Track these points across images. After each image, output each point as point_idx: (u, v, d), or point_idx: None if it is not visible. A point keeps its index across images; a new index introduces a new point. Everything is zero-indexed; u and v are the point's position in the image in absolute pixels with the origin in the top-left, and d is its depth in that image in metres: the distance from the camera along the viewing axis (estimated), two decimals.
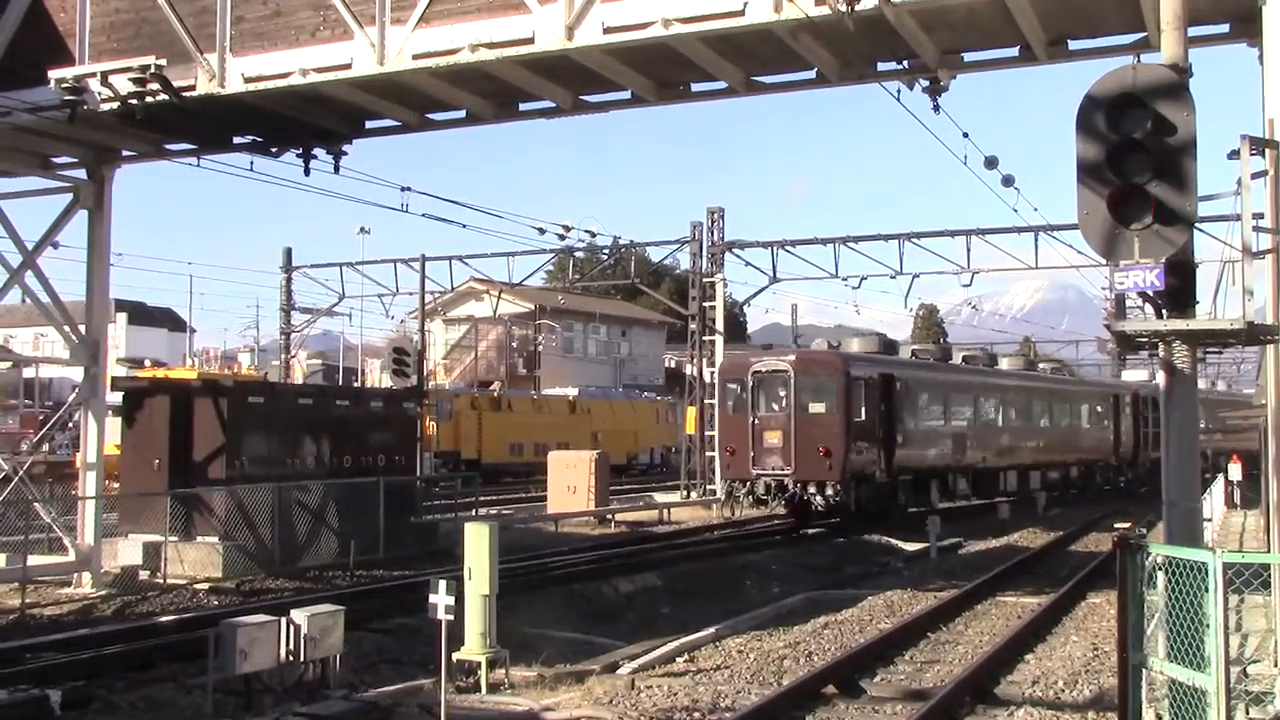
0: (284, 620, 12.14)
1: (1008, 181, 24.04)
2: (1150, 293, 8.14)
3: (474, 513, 29.62)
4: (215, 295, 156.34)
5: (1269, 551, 14.38)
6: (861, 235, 41.65)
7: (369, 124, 18.29)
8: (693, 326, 43.50)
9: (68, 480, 25.49)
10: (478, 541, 13.40)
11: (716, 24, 13.36)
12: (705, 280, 43.45)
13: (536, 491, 40.36)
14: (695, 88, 16.57)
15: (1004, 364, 44.40)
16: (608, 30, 13.73)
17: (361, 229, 63.09)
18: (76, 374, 21.06)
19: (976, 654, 15.17)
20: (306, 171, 18.37)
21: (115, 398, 23.60)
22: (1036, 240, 38.68)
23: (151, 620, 17.13)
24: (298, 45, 15.22)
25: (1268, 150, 9.84)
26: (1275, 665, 10.89)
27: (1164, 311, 8.29)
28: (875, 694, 13.16)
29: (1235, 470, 35.75)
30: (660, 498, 40.37)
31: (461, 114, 17.61)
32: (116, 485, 23.85)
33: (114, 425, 23.79)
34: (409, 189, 24.27)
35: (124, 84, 15.55)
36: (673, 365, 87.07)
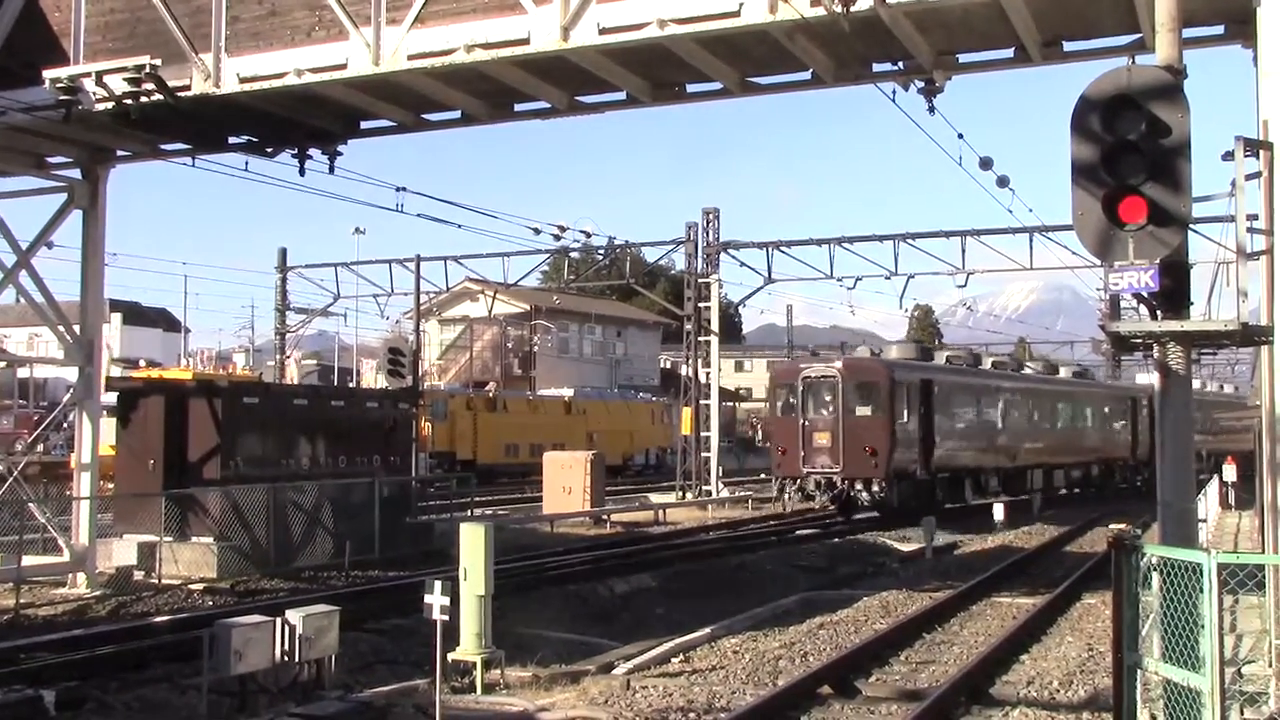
0: (279, 621, 12.14)
1: (1003, 182, 24.09)
2: (1145, 294, 8.14)
3: (469, 513, 29.60)
4: (210, 296, 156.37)
5: (1264, 552, 14.40)
6: (856, 236, 41.81)
7: (364, 124, 18.28)
8: (688, 327, 43.53)
9: (62, 481, 25.41)
10: (473, 542, 13.40)
11: (712, 25, 13.36)
12: (700, 281, 43.49)
13: (532, 492, 40.37)
14: (690, 88, 16.57)
15: (1029, 369, 47.08)
16: (603, 31, 13.72)
17: (356, 229, 63.17)
18: (71, 374, 21.02)
19: (972, 654, 15.19)
20: (302, 172, 18.36)
21: (110, 398, 23.56)
22: (1031, 241, 38.82)
23: (146, 621, 17.11)
24: (293, 45, 15.20)
25: (1262, 152, 9.87)
26: (1270, 666, 10.90)
27: (1159, 312, 8.30)
28: (870, 694, 13.17)
29: (1230, 471, 35.78)
30: (656, 498, 40.40)
31: (456, 114, 17.59)
32: (111, 486, 23.81)
33: (109, 425, 23.74)
34: (404, 189, 24.25)
35: (119, 84, 15.53)
36: (668, 366, 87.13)
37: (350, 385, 56.80)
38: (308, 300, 53.52)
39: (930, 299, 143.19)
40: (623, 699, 12.55)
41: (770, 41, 14.15)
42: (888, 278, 41.62)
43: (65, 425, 23.87)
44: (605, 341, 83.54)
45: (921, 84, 14.96)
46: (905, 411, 33.50)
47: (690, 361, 43.90)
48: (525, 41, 14.04)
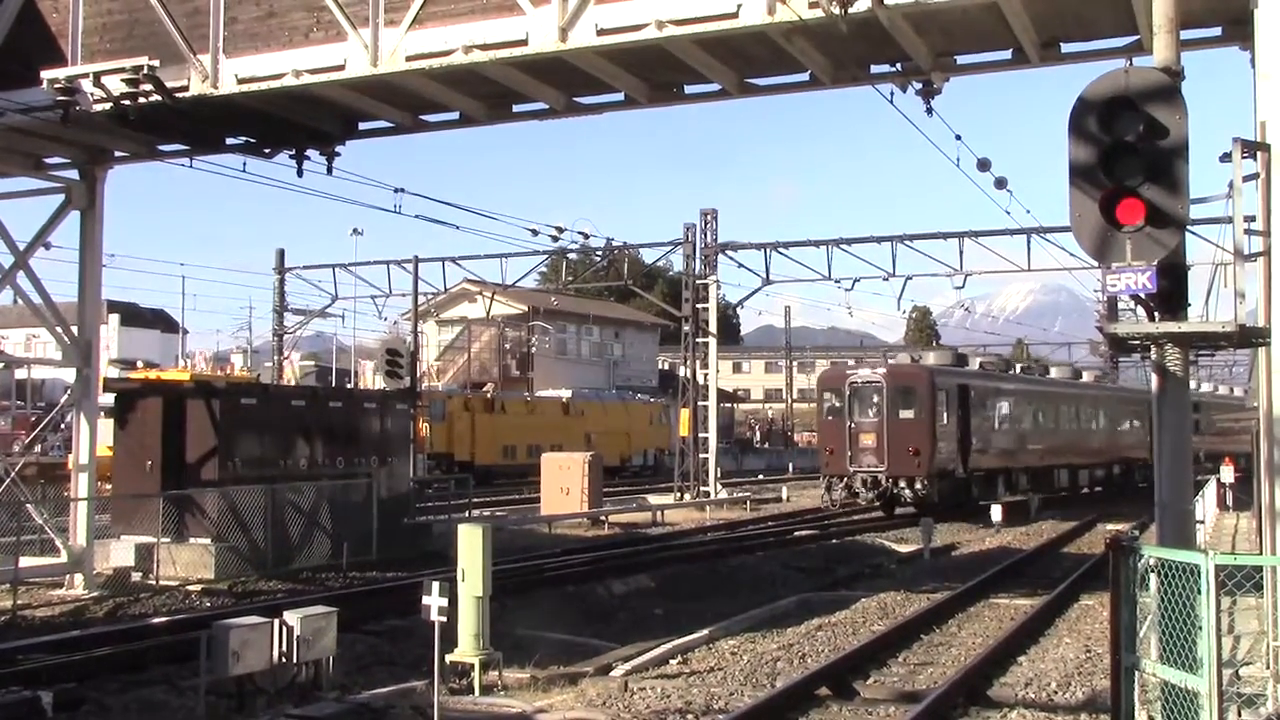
0: (277, 622, 12.14)
1: (1000, 184, 24.09)
2: (1142, 295, 8.15)
3: (467, 514, 29.59)
4: (208, 297, 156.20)
5: (1261, 554, 14.41)
6: (854, 237, 41.88)
7: (362, 125, 18.28)
8: (686, 328, 43.53)
9: (60, 482, 25.38)
10: (471, 543, 13.40)
11: (710, 26, 13.36)
12: (698, 282, 43.49)
13: (530, 493, 40.35)
14: (688, 90, 16.58)
15: (1054, 373, 48.98)
16: (601, 32, 13.72)
17: (354, 230, 63.10)
18: (69, 375, 21.01)
19: (969, 656, 15.20)
20: (299, 173, 18.36)
21: (107, 399, 23.55)
22: (1029, 242, 38.90)
23: (144, 622, 17.10)
24: (291, 46, 15.19)
25: (1259, 153, 9.87)
26: (1268, 668, 10.90)
27: (1156, 314, 8.30)
28: (868, 696, 13.17)
29: (1227, 473, 35.82)
30: (653, 500, 40.38)
31: (455, 115, 17.60)
32: (109, 487, 23.80)
33: (106, 426, 23.73)
34: (402, 190, 24.30)
35: (117, 85, 15.52)
36: (666, 367, 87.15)
37: (348, 386, 56.78)
38: (306, 301, 53.56)
39: (928, 300, 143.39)
40: (621, 700, 12.55)
41: (768, 43, 14.16)
42: (885, 279, 41.67)
43: (63, 426, 23.89)
44: (603, 343, 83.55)
45: (919, 85, 14.97)
46: (945, 414, 35.95)
47: (688, 363, 43.90)
48: (523, 43, 14.04)
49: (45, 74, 15.85)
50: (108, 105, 15.83)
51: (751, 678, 13.92)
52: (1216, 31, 13.87)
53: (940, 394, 35.99)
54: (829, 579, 24.19)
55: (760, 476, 60.94)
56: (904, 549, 29.11)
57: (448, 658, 12.82)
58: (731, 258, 44.25)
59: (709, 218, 43.99)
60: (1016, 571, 24.23)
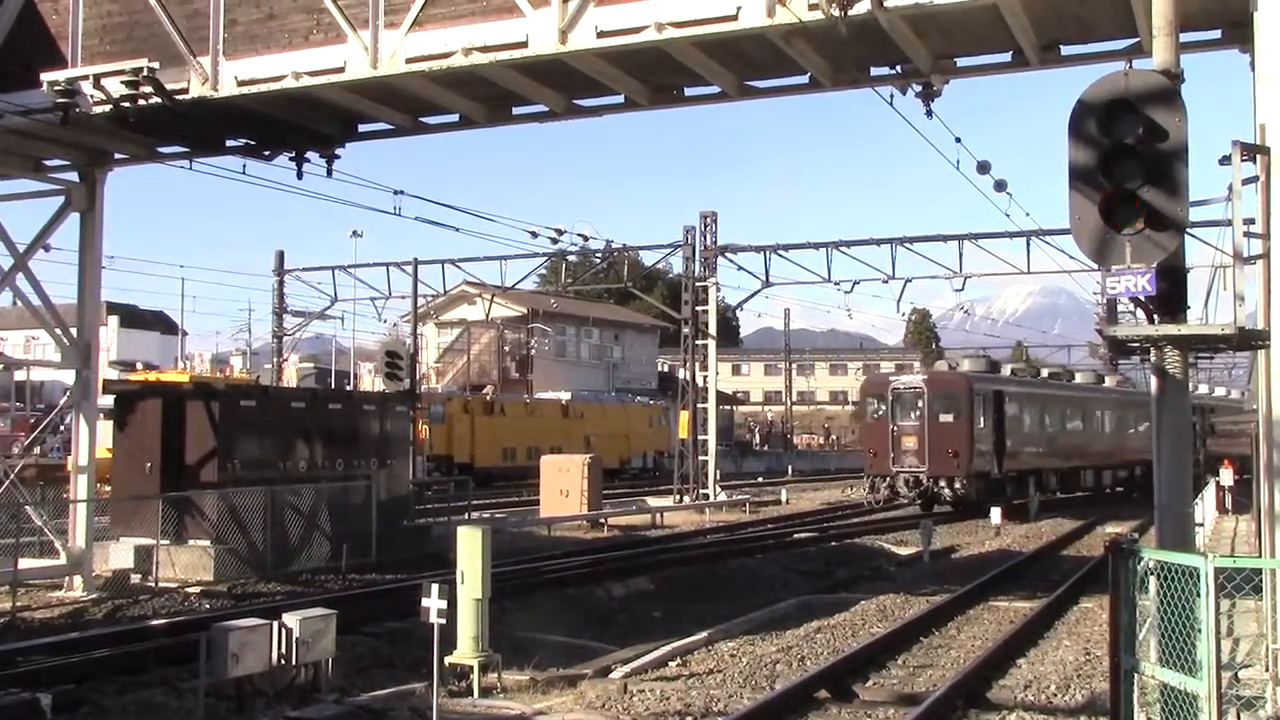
0: (276, 624, 12.13)
1: (1000, 186, 24.08)
2: (1142, 298, 8.15)
3: (466, 516, 29.59)
4: (207, 299, 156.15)
5: (1260, 556, 14.40)
6: (854, 240, 41.83)
7: (361, 127, 18.28)
8: (685, 330, 43.51)
9: (59, 483, 25.37)
10: (470, 545, 13.39)
11: (710, 28, 13.36)
12: (698, 284, 43.49)
13: (529, 495, 40.34)
14: (688, 92, 16.58)
15: (1078, 378, 51.33)
16: (601, 34, 13.73)
17: (354, 232, 63.26)
18: (68, 377, 21.01)
19: (969, 658, 15.19)
20: (299, 175, 18.36)
21: (107, 401, 23.54)
22: (1029, 245, 38.90)
23: (143, 624, 17.09)
24: (291, 48, 15.19)
25: (1259, 156, 9.87)
26: (1267, 670, 10.89)
27: (1155, 316, 8.31)
28: (868, 698, 13.17)
29: (1226, 475, 35.83)
30: (653, 502, 40.36)
31: (454, 118, 17.60)
32: (108, 488, 23.79)
33: (105, 428, 23.72)
34: (402, 192, 24.28)
35: (116, 87, 15.53)
36: (665, 369, 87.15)
37: (348, 388, 56.78)
38: (305, 303, 53.57)
39: (928, 302, 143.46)
40: (620, 702, 12.54)
41: (768, 45, 14.16)
42: (885, 281, 41.65)
43: (62, 428, 23.86)
44: (603, 345, 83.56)
45: (919, 88, 14.97)
46: (982, 419, 38.17)
47: (687, 365, 43.89)
48: (523, 45, 14.04)
49: (45, 76, 15.86)
50: (107, 107, 15.83)
51: (750, 680, 13.91)
52: (1216, 34, 13.87)
53: (978, 400, 38.10)
54: (828, 581, 24.19)
55: (760, 479, 60.92)
56: (903, 551, 29.11)
57: (447, 660, 12.81)
58: (731, 260, 44.27)
59: (709, 220, 43.99)
60: (1016, 574, 24.22)
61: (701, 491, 42.46)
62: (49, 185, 20.23)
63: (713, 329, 43.98)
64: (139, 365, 52.57)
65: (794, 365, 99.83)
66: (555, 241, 38.47)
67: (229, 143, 18.49)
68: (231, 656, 11.61)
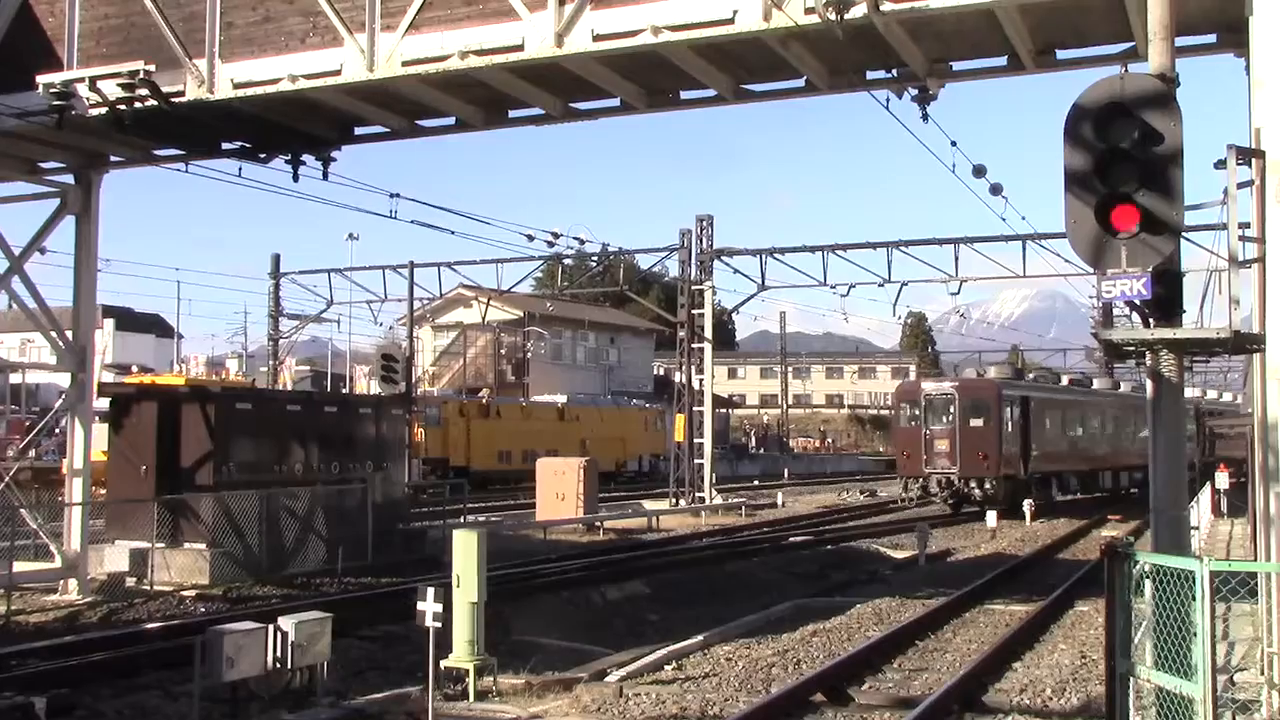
0: (271, 627, 12.12)
1: (996, 190, 24.06)
2: (1137, 301, 8.16)
3: (462, 519, 29.56)
4: (203, 302, 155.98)
5: (1256, 560, 14.41)
6: (850, 243, 41.79)
7: (358, 130, 18.28)
8: (681, 334, 43.52)
9: (54, 486, 25.36)
10: (466, 548, 13.38)
11: (706, 32, 13.38)
12: (694, 288, 43.48)
13: (525, 498, 40.33)
14: (685, 95, 16.57)
15: (1096, 384, 53.23)
16: (598, 37, 13.74)
17: (350, 235, 63.19)
18: (64, 380, 20.96)
19: (965, 662, 15.19)
20: (295, 178, 18.33)
21: (102, 403, 23.52)
22: (1024, 249, 38.92)
23: (138, 627, 17.06)
24: (287, 51, 15.19)
25: (1254, 160, 9.89)
26: (1262, 674, 10.90)
27: (1151, 320, 8.31)
28: (863, 702, 13.17)
29: (1222, 479, 35.89)
30: (649, 505, 40.36)
31: (451, 121, 17.61)
32: (103, 491, 23.75)
33: (101, 431, 23.70)
34: (398, 195, 24.21)
35: (112, 89, 15.51)
36: (661, 372, 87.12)
37: (343, 391, 56.73)
38: (301, 306, 53.56)
39: (923, 306, 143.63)
40: (615, 706, 12.54)
41: (764, 48, 14.17)
42: (881, 285, 41.65)
43: (57, 431, 23.80)
44: (599, 348, 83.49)
45: (915, 92, 14.98)
46: (1009, 423, 40.35)
47: (683, 368, 43.89)
48: (519, 48, 14.04)
49: (40, 78, 15.83)
50: (103, 110, 15.80)
51: (746, 683, 13.91)
52: (1211, 39, 13.90)
53: (1006, 405, 40.33)
54: (824, 585, 24.19)
55: (755, 482, 60.91)
56: (899, 555, 29.13)
57: (442, 663, 12.80)
58: (727, 263, 44.27)
59: (705, 223, 43.99)
60: (1012, 577, 24.23)
61: (697, 495, 42.45)
62: (44, 188, 20.21)
63: (709, 332, 43.98)
64: (134, 368, 52.58)
65: (790, 369, 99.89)
66: (551, 245, 38.52)
67: (225, 145, 18.46)
68: (227, 660, 11.59)
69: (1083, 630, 17.85)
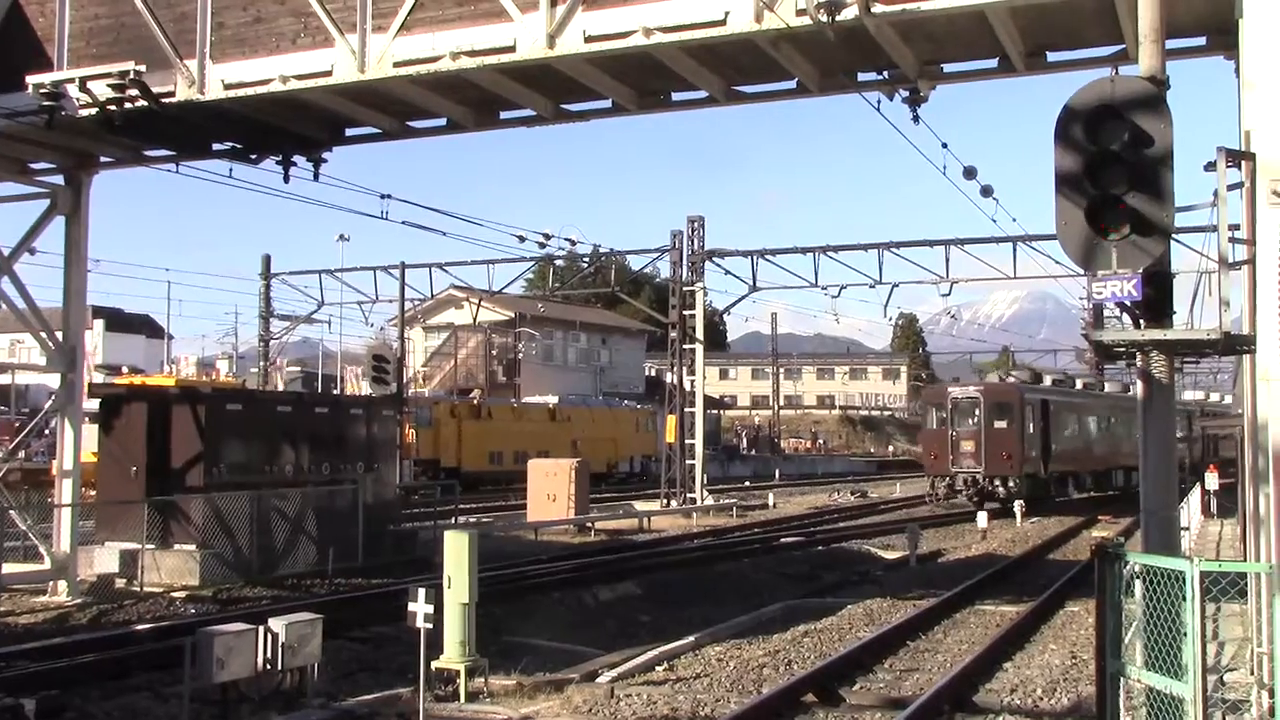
0: (261, 629, 12.08)
1: (986, 192, 24.11)
2: (1128, 303, 8.18)
3: (453, 520, 29.53)
4: (194, 302, 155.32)
5: (1245, 560, 14.44)
6: (841, 245, 41.87)
7: (349, 131, 18.25)
8: (673, 335, 43.52)
9: (44, 487, 25.27)
10: (457, 549, 13.37)
11: (698, 33, 13.38)
12: (685, 289, 43.49)
13: (516, 499, 40.30)
14: (676, 97, 16.58)
15: (1108, 387, 55.27)
16: (589, 39, 13.73)
17: (341, 236, 63.03)
18: (53, 380, 20.90)
19: (955, 662, 15.21)
20: (286, 178, 18.32)
21: (92, 404, 23.44)
22: (1015, 250, 39.05)
23: (128, 629, 17.01)
24: (278, 52, 15.16)
25: (1244, 162, 9.91)
26: (1252, 674, 10.93)
27: (1142, 321, 8.33)
28: (855, 702, 13.19)
29: (1212, 479, 35.99)
30: (640, 506, 40.37)
31: (442, 122, 17.59)
32: (93, 493, 23.68)
33: (91, 432, 23.62)
34: (389, 196, 24.17)
35: (103, 90, 15.48)
36: (653, 373, 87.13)
37: (334, 392, 56.64)
38: (292, 307, 53.43)
39: (914, 307, 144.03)
40: (607, 707, 12.54)
41: (756, 50, 14.18)
42: (872, 286, 41.77)
43: (47, 432, 23.72)
44: (590, 349, 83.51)
45: (906, 93, 15.00)
46: (1031, 425, 42.50)
47: (675, 369, 43.90)
48: (511, 49, 14.04)
49: (30, 78, 15.78)
50: (93, 110, 15.77)
51: (738, 684, 13.92)
52: (1201, 41, 13.94)
53: (1028, 407, 42.62)
54: (815, 585, 24.20)
55: (747, 483, 60.95)
56: (890, 555, 29.17)
57: (433, 665, 12.79)
58: (719, 264, 44.30)
59: (696, 224, 44.01)
60: (1003, 578, 24.27)
61: (688, 496, 42.46)
62: (34, 188, 20.15)
63: (700, 333, 44.00)
64: (124, 369, 52.40)
65: (781, 370, 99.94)
66: (543, 246, 38.47)
67: (215, 146, 18.43)
68: (217, 661, 11.56)
69: (1073, 630, 17.89)
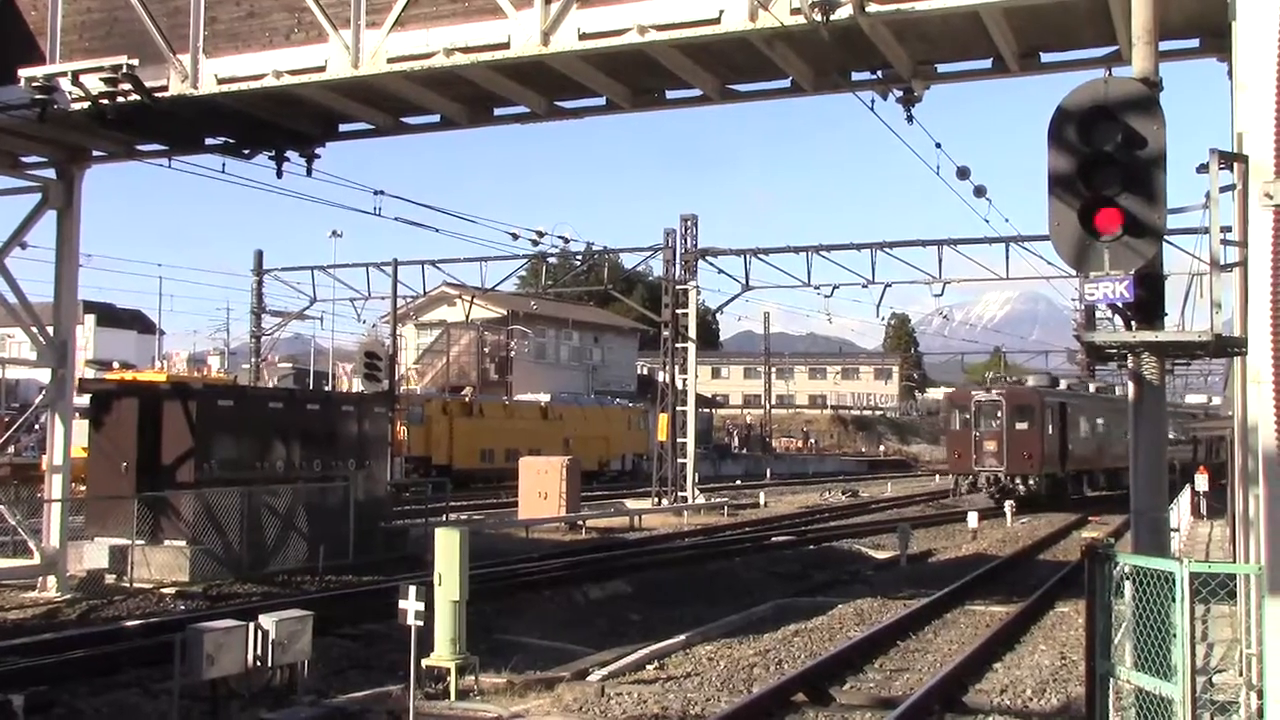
0: (251, 625, 12.05)
1: (980, 192, 24.16)
2: (1120, 304, 8.18)
3: (444, 518, 29.50)
4: (185, 298, 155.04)
5: (1235, 561, 14.48)
6: (834, 244, 41.83)
7: (342, 127, 18.23)
8: (665, 333, 43.53)
9: (33, 483, 25.20)
10: (448, 547, 13.35)
11: (692, 31, 13.38)
12: (678, 287, 43.49)
13: (508, 497, 40.28)
14: (670, 95, 16.59)
15: (1118, 391, 57.15)
16: (583, 36, 13.73)
17: (333, 232, 62.95)
18: (44, 375, 20.86)
19: (945, 662, 15.23)
20: (279, 174, 18.29)
21: (83, 400, 23.39)
22: (1008, 251, 39.10)
23: (117, 625, 16.98)
24: (272, 47, 15.14)
25: (1236, 164, 9.92)
26: (1241, 675, 10.96)
27: (1133, 323, 8.34)
28: (845, 702, 13.19)
29: (1202, 481, 36.08)
30: (631, 504, 40.36)
31: (435, 118, 17.57)
32: (83, 488, 23.62)
33: (81, 428, 23.57)
34: (382, 193, 24.17)
35: (95, 84, 15.43)
36: (645, 372, 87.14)
37: (326, 389, 56.55)
38: (284, 303, 53.33)
39: (906, 307, 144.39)
40: (597, 705, 12.53)
41: (750, 49, 14.18)
42: (865, 286, 41.73)
43: (37, 427, 23.65)
44: (582, 347, 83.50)
45: (900, 93, 15.01)
46: (1050, 426, 45.31)
47: (667, 368, 43.90)
48: (505, 46, 14.03)
49: (23, 72, 15.75)
50: (86, 104, 15.74)
51: (728, 683, 13.92)
52: (1195, 43, 13.97)
53: (1047, 410, 45.41)
54: (806, 585, 24.22)
55: (738, 482, 60.98)
56: (881, 555, 29.20)
57: (424, 662, 12.77)
58: (711, 263, 44.30)
59: (689, 223, 44.01)
60: (993, 578, 24.31)
61: (680, 494, 42.47)
62: (26, 182, 20.09)
63: (692, 332, 44.00)
64: (115, 364, 52.29)
65: (773, 369, 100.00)
66: (536, 244, 38.46)
67: (208, 141, 18.40)
68: (206, 658, 11.53)
69: (1063, 631, 17.92)
